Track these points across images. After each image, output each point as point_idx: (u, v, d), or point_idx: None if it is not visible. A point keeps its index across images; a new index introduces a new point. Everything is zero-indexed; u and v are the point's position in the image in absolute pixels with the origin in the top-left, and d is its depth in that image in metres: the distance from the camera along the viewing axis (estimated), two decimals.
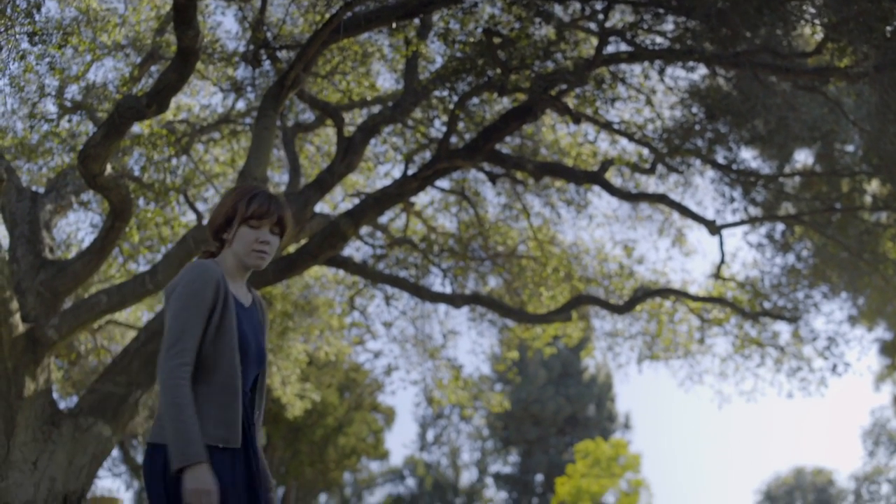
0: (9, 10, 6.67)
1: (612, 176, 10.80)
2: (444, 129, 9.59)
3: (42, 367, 7.99)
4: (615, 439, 30.70)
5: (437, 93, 9.30)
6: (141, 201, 9.78)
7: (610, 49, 8.83)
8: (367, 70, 9.71)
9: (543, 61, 8.52)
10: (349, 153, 8.89)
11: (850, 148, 10.79)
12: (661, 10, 8.35)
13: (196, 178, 10.66)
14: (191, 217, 10.82)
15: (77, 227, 14.12)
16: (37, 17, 6.83)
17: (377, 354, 17.21)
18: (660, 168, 10.38)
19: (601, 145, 10.96)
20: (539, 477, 41.15)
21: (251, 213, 3.21)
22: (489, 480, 42.71)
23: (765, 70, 8.19)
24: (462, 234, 11.48)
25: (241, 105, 10.58)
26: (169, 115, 10.05)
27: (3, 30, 6.73)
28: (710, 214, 10.94)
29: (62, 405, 9.64)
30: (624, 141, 10.59)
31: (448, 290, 11.70)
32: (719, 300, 11.19)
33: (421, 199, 11.57)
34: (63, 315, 8.12)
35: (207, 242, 3.64)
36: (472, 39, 8.56)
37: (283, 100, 7.98)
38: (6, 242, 8.95)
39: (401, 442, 57.92)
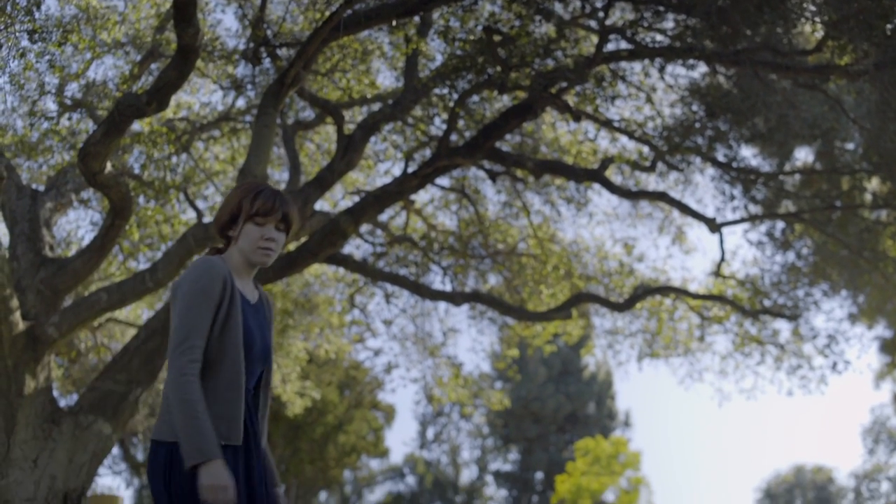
0: (9, 8, 6.67)
1: (613, 174, 10.80)
2: (445, 126, 9.59)
3: (42, 364, 8.00)
4: (615, 437, 30.73)
5: (437, 90, 9.30)
6: (141, 199, 9.78)
7: (610, 47, 8.82)
8: (368, 68, 9.70)
9: (543, 59, 8.52)
10: (349, 151, 8.89)
11: (850, 146, 10.79)
12: (662, 8, 8.35)
13: (196, 175, 10.66)
14: (191, 215, 10.82)
15: (77, 224, 14.12)
16: (37, 15, 6.83)
17: (377, 352, 17.21)
18: (660, 166, 10.38)
19: (601, 143, 10.97)
20: (539, 475, 41.19)
21: (256, 210, 3.21)
22: (489, 478, 42.77)
23: (765, 68, 8.19)
24: (462, 231, 11.48)
25: (241, 103, 10.59)
26: (169, 112, 10.04)
27: (2, 27, 6.73)
28: (710, 212, 10.92)
29: (62, 403, 9.64)
30: (624, 139, 10.59)
31: (448, 287, 11.71)
32: (719, 298, 11.19)
33: (421, 196, 11.58)
34: (63, 313, 8.12)
35: (214, 240, 3.64)
36: (472, 37, 8.56)
37: (284, 97, 7.97)
38: (6, 240, 8.95)
39: (401, 440, 58.04)
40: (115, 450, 24.80)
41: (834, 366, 11.29)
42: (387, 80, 10.75)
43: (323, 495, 36.70)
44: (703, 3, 7.56)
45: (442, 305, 12.83)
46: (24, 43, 7.12)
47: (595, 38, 8.95)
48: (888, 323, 15.38)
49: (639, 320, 12.19)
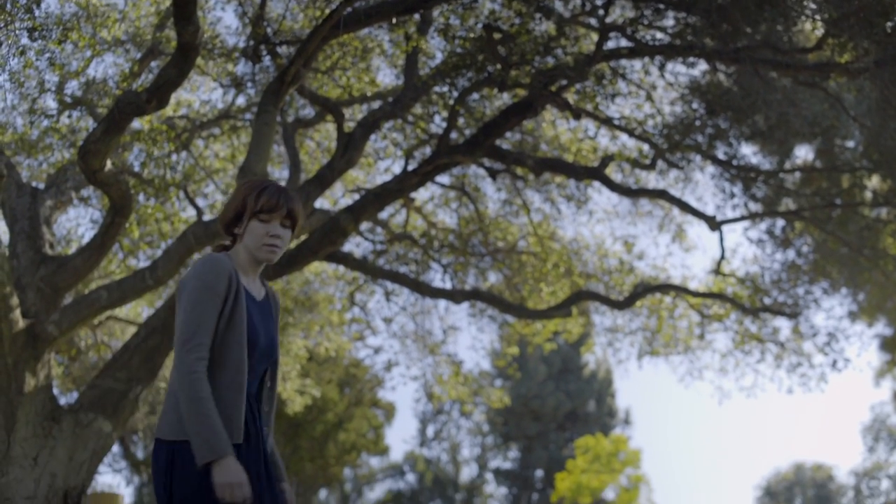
0: (9, 6, 6.67)
1: (613, 172, 10.80)
2: (445, 124, 9.59)
3: (42, 362, 8.00)
4: (615, 435, 30.75)
5: (437, 88, 9.30)
6: (141, 197, 9.78)
7: (610, 45, 8.82)
8: (368, 66, 9.70)
9: (544, 57, 8.52)
10: (349, 149, 8.89)
11: (850, 144, 10.78)
12: (662, 6, 8.34)
13: (196, 173, 10.66)
14: (191, 213, 10.82)
15: (77, 222, 14.13)
16: (37, 13, 6.83)
17: (377, 350, 17.19)
18: (660, 164, 10.38)
19: (601, 141, 10.95)
20: (539, 472, 41.20)
21: (261, 207, 3.21)
22: (489, 476, 42.78)
23: (765, 66, 8.19)
24: (462, 229, 11.48)
25: (241, 101, 10.59)
26: (169, 110, 10.04)
27: (3, 25, 6.73)
28: (710, 210, 10.91)
29: (62, 401, 9.64)
30: (624, 136, 10.59)
31: (448, 285, 11.71)
32: (719, 296, 11.19)
33: (421, 194, 11.57)
34: (63, 311, 8.12)
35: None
36: (472, 35, 8.56)
37: (284, 95, 7.97)
38: (6, 238, 8.95)
39: (401, 437, 58.07)
40: (116, 448, 24.82)
41: (834, 364, 11.29)
42: (387, 77, 10.78)
43: (323, 493, 36.72)
44: (703, 0, 7.55)
45: (442, 303, 12.84)
46: (24, 41, 7.13)
47: (595, 36, 8.95)
48: (888, 321, 15.38)
49: (639, 318, 12.19)
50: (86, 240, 10.57)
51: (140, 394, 8.42)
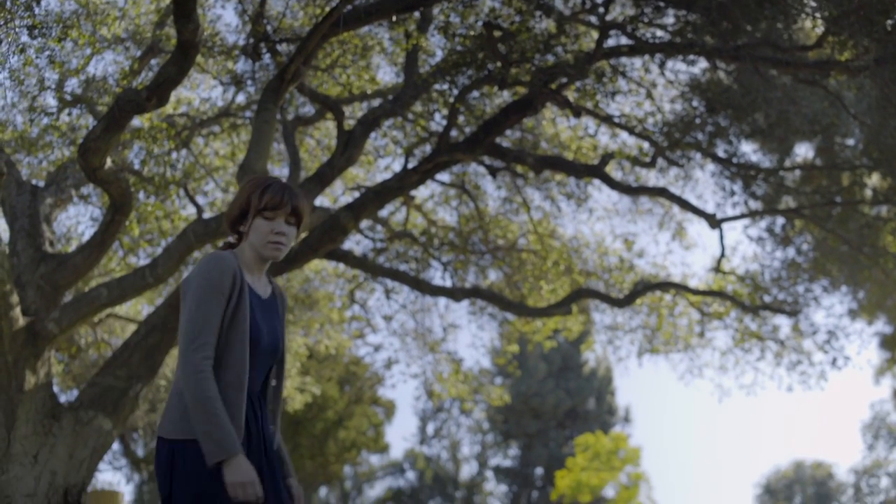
0: (9, 4, 6.66)
1: (613, 169, 10.80)
2: (445, 122, 9.59)
3: (42, 360, 8.00)
4: (615, 433, 30.74)
5: (437, 86, 9.29)
6: (141, 195, 9.78)
7: (610, 42, 8.82)
8: (368, 63, 9.70)
9: (544, 55, 8.52)
10: (349, 147, 8.89)
11: (850, 141, 10.78)
12: (662, 4, 8.34)
13: (196, 171, 10.66)
14: (191, 211, 10.83)
15: (77, 220, 14.10)
16: (36, 11, 6.83)
17: (377, 348, 17.22)
18: (660, 162, 10.38)
19: (601, 139, 10.96)
20: (539, 470, 41.20)
21: (265, 205, 3.21)
22: (489, 474, 42.78)
23: (765, 63, 8.19)
24: (462, 227, 11.48)
25: (241, 98, 10.58)
26: (169, 108, 10.04)
27: (2, 23, 6.72)
28: (710, 208, 10.92)
29: (63, 398, 9.65)
30: (624, 134, 10.59)
31: (448, 283, 11.71)
32: (719, 294, 11.19)
33: (421, 192, 11.58)
34: (63, 308, 8.12)
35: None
36: (472, 33, 8.56)
37: (283, 93, 7.97)
38: (6, 236, 8.95)
39: (401, 435, 58.02)
40: (116, 445, 24.80)
41: (834, 361, 11.29)
42: (387, 75, 10.78)
43: (323, 491, 36.74)
44: None
45: (442, 301, 12.84)
46: (24, 38, 7.13)
47: (595, 34, 8.95)
48: (888, 319, 15.38)
49: (639, 316, 12.20)
50: (86, 238, 10.58)
51: (140, 391, 8.42)
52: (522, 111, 8.91)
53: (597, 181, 10.82)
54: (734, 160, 10.18)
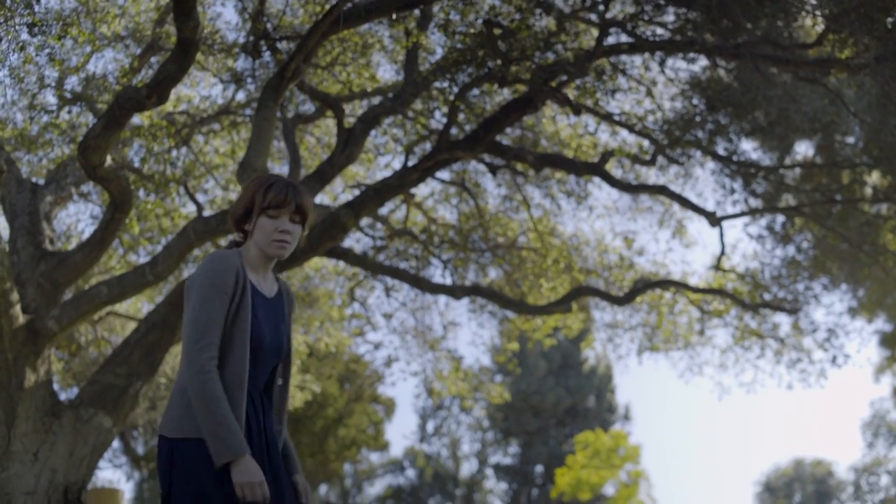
0: (8, 1, 6.66)
1: (613, 167, 10.80)
2: (445, 120, 9.58)
3: (42, 358, 8.00)
4: (615, 430, 30.74)
5: (437, 84, 9.29)
6: (141, 193, 9.78)
7: (610, 40, 8.81)
8: (368, 61, 9.69)
9: (544, 52, 8.51)
10: (349, 144, 8.89)
11: (850, 139, 10.78)
12: (662, 2, 8.34)
13: (196, 169, 10.65)
14: (191, 208, 10.82)
15: (77, 218, 14.12)
16: (36, 8, 6.83)
17: (377, 346, 17.21)
18: (660, 159, 10.37)
19: (601, 137, 10.96)
20: (539, 468, 41.21)
21: (269, 203, 3.20)
22: (489, 471, 42.79)
23: (765, 61, 8.18)
24: (462, 225, 11.48)
25: (241, 96, 10.57)
26: (169, 106, 10.03)
27: (2, 21, 6.72)
28: (710, 206, 10.95)
29: (63, 396, 9.66)
30: (624, 132, 10.58)
31: (448, 281, 11.71)
32: (719, 292, 11.19)
33: (421, 190, 11.58)
34: (63, 306, 8.13)
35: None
36: (472, 30, 8.55)
37: (284, 91, 7.96)
38: (6, 234, 8.95)
39: (401, 433, 58.05)
40: (116, 443, 24.82)
41: (834, 359, 11.30)
42: (387, 73, 10.78)
43: (323, 488, 36.75)
44: None
45: (442, 299, 12.84)
46: (24, 36, 7.12)
47: (595, 32, 8.94)
48: (888, 317, 15.38)
49: (639, 314, 12.20)
50: (86, 235, 10.56)
51: (140, 389, 8.42)
52: (522, 109, 8.91)
53: (597, 179, 10.82)
54: (734, 158, 10.18)
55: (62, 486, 7.74)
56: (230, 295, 3.10)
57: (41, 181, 9.57)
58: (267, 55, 9.21)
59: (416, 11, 8.96)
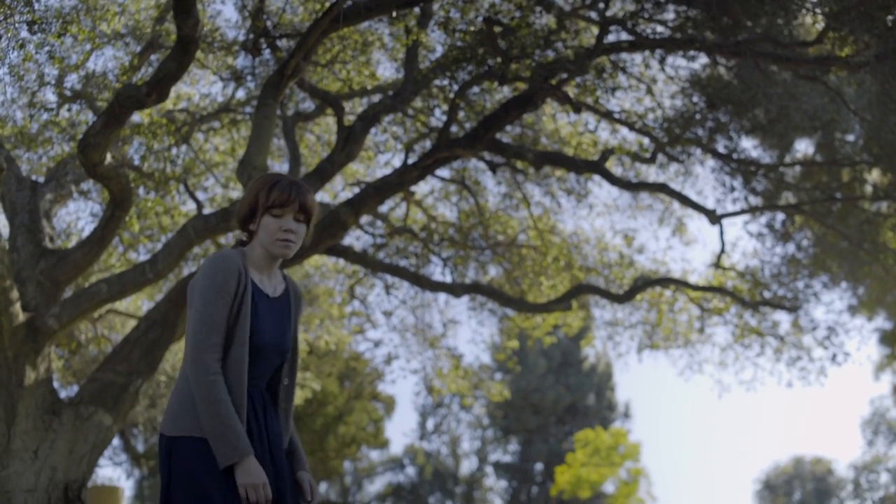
0: None
1: (613, 165, 10.80)
2: (445, 118, 9.58)
3: (42, 356, 8.01)
4: (615, 428, 30.76)
5: (437, 82, 9.29)
6: (141, 190, 9.78)
7: (610, 38, 8.81)
8: (368, 59, 9.69)
9: (544, 50, 8.51)
10: (349, 142, 8.89)
11: (850, 137, 10.78)
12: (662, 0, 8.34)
13: (196, 167, 10.65)
14: (191, 206, 10.83)
15: (77, 216, 14.11)
16: (36, 6, 6.83)
17: (377, 343, 17.23)
18: (660, 157, 10.37)
19: (602, 134, 10.97)
20: (539, 466, 41.23)
21: (272, 202, 3.20)
22: (489, 469, 42.80)
23: (766, 59, 8.18)
24: (462, 223, 11.48)
25: (241, 94, 10.57)
26: (169, 104, 10.03)
27: (2, 18, 6.72)
28: (710, 204, 10.95)
29: (63, 394, 9.66)
30: (624, 130, 10.58)
31: (448, 279, 11.71)
32: (719, 290, 11.19)
33: (421, 188, 11.58)
34: (63, 304, 8.13)
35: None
36: (472, 28, 8.55)
37: (283, 89, 7.96)
38: (6, 232, 8.95)
39: (401, 431, 58.04)
40: (116, 441, 24.84)
41: (833, 357, 11.30)
42: (387, 71, 10.75)
43: (323, 486, 36.76)
44: None
45: (442, 297, 12.83)
46: (24, 34, 7.12)
47: (595, 30, 8.94)
48: (888, 314, 15.39)
49: (639, 312, 12.20)
50: (86, 233, 10.56)
51: (140, 387, 8.42)
52: (522, 107, 8.91)
53: (597, 177, 10.82)
54: (734, 156, 10.18)
55: (62, 484, 7.74)
56: (232, 295, 3.11)
57: (41, 179, 9.57)
58: (267, 53, 9.20)
59: (417, 9, 8.96)
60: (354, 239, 11.97)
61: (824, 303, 11.54)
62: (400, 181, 9.32)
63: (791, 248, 11.51)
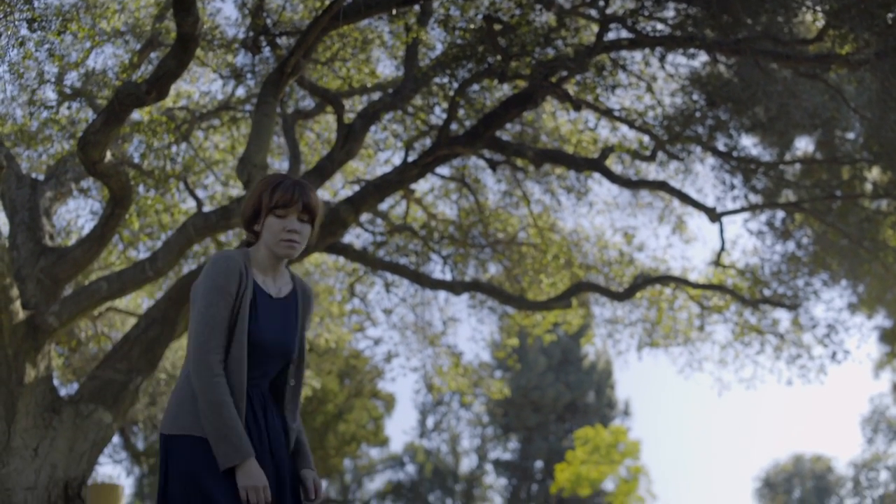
0: None
1: (613, 163, 10.80)
2: (445, 115, 9.58)
3: (42, 353, 8.01)
4: (615, 426, 30.78)
5: (437, 80, 9.29)
6: (141, 188, 9.78)
7: (611, 36, 8.81)
8: (368, 57, 9.68)
9: (544, 48, 8.51)
10: (349, 140, 8.88)
11: (850, 135, 10.78)
12: None
13: (196, 165, 10.65)
14: (191, 204, 10.83)
15: (77, 214, 14.10)
16: (36, 4, 6.82)
17: (377, 341, 17.20)
18: (660, 155, 10.37)
19: (602, 132, 10.95)
20: (539, 463, 41.26)
21: (275, 203, 3.19)
22: (489, 467, 42.83)
23: (766, 57, 8.18)
24: (462, 221, 11.48)
25: (240, 92, 10.57)
26: (168, 101, 10.03)
27: (2, 16, 6.71)
28: (710, 202, 10.92)
29: (63, 392, 9.66)
30: (624, 128, 10.58)
31: (448, 277, 11.71)
32: (719, 287, 11.19)
33: (421, 186, 11.57)
34: (63, 302, 8.13)
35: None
36: (472, 26, 8.55)
37: (283, 86, 7.96)
38: (6, 230, 8.96)
39: (401, 428, 58.11)
40: (116, 438, 24.85)
41: (833, 355, 11.30)
42: (387, 69, 10.74)
43: (323, 484, 36.78)
44: None
45: (442, 294, 12.83)
46: (24, 32, 7.12)
47: (595, 27, 8.94)
48: (888, 312, 15.39)
49: (639, 310, 12.20)
50: (86, 231, 10.56)
51: (140, 385, 8.43)
52: (522, 105, 8.90)
53: (597, 175, 10.82)
54: (734, 154, 10.18)
55: (62, 482, 7.75)
56: (234, 296, 3.11)
57: (41, 177, 9.57)
58: (267, 51, 9.20)
59: (416, 7, 8.95)
60: (354, 237, 11.98)
61: (824, 301, 11.55)
62: (400, 179, 9.32)
63: (791, 245, 11.51)
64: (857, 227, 10.25)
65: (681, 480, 62.34)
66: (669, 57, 9.45)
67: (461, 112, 9.77)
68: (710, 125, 9.92)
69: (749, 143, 13.03)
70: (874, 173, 10.43)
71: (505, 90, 9.69)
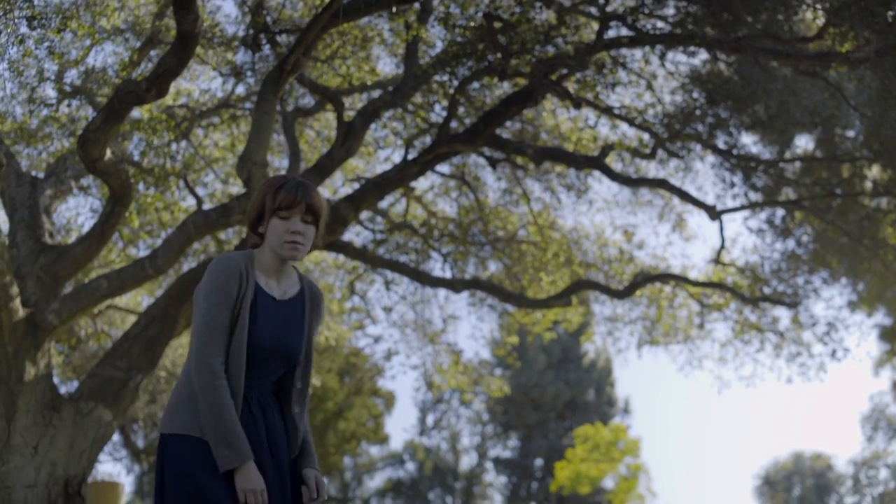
0: None
1: (613, 161, 10.79)
2: (445, 113, 9.58)
3: (42, 351, 8.01)
4: (614, 424, 30.79)
5: (437, 77, 9.28)
6: (141, 186, 9.77)
7: (611, 34, 8.80)
8: (368, 54, 9.68)
9: (544, 46, 8.51)
10: (349, 138, 8.88)
11: (850, 133, 10.77)
12: None
13: (196, 162, 10.65)
14: (191, 202, 10.82)
15: (77, 211, 14.12)
16: (36, 1, 6.82)
17: (377, 339, 17.19)
18: (660, 153, 10.37)
19: (601, 130, 10.94)
20: (538, 461, 41.28)
21: (279, 204, 3.18)
22: (489, 465, 42.85)
23: (766, 55, 8.17)
24: (462, 218, 11.48)
25: (240, 89, 10.57)
26: (168, 99, 10.03)
27: (2, 14, 6.71)
28: (710, 199, 10.91)
29: (63, 390, 9.66)
30: (624, 126, 10.58)
31: (448, 274, 11.71)
32: (719, 285, 11.19)
33: (421, 183, 11.57)
34: (63, 300, 8.13)
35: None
36: (472, 24, 8.54)
37: (283, 84, 7.96)
38: (6, 227, 8.95)
39: (401, 426, 58.17)
40: (116, 436, 24.83)
41: (833, 353, 11.30)
42: (387, 66, 10.77)
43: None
44: None
45: (442, 292, 12.85)
46: (24, 29, 7.12)
47: (596, 25, 8.93)
48: (888, 310, 15.38)
49: (638, 307, 12.20)
50: (85, 229, 10.57)
51: (140, 382, 8.43)
52: (522, 102, 8.90)
53: (597, 172, 10.82)
54: (734, 152, 10.18)
55: (62, 480, 7.75)
56: (234, 297, 3.10)
57: (41, 175, 9.57)
58: (267, 48, 9.20)
59: (416, 5, 8.95)
60: (354, 235, 11.98)
61: (824, 299, 11.56)
62: (400, 177, 9.32)
63: (791, 243, 11.51)
64: (857, 225, 10.25)
65: (680, 478, 62.39)
66: (669, 55, 9.44)
67: (461, 110, 9.77)
68: (710, 123, 9.92)
69: (749, 141, 13.03)
70: (874, 171, 10.43)
71: (505, 88, 9.69)
